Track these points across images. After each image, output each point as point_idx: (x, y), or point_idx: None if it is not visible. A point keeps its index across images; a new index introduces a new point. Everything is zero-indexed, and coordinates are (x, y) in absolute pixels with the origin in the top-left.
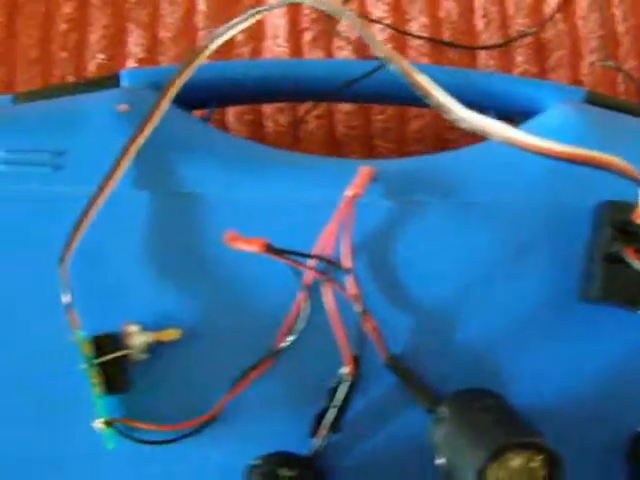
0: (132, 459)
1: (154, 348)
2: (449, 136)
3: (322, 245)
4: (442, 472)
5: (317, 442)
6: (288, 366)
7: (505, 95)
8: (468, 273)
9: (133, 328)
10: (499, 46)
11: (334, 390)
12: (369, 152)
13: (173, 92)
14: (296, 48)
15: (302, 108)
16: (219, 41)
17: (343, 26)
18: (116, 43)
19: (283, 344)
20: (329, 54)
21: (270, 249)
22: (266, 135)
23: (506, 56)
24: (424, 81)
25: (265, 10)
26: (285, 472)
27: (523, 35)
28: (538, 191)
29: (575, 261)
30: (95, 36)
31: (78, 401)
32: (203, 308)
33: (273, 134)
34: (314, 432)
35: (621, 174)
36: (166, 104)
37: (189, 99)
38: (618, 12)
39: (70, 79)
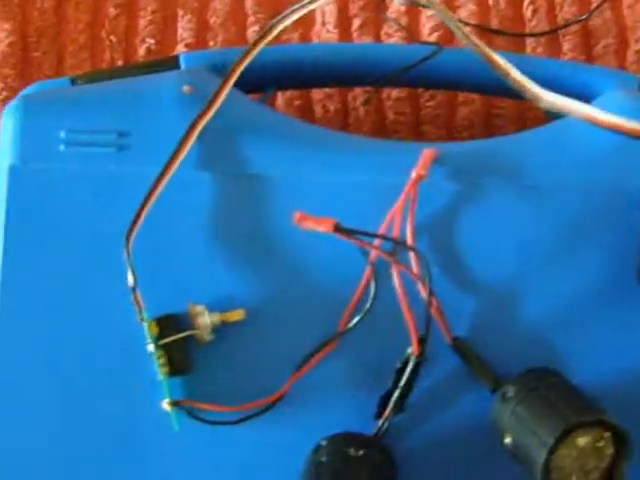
0: (198, 440)
1: (219, 329)
2: (497, 122)
3: (387, 227)
4: (509, 451)
5: (383, 422)
6: (353, 347)
7: (559, 80)
8: (529, 255)
9: (199, 308)
10: (546, 33)
11: (400, 371)
12: (418, 138)
13: (237, 74)
14: (345, 34)
15: (351, 94)
16: (287, 22)
17: (392, 13)
18: (165, 28)
19: (349, 325)
20: (378, 40)
21: (339, 229)
22: (316, 120)
23: (553, 44)
24: (504, 65)
25: None
26: (353, 452)
27: (570, 23)
28: (599, 175)
29: (635, 245)
30: (144, 21)
31: (144, 383)
32: (267, 289)
33: (323, 119)
34: (380, 412)
35: None
36: (230, 86)
37: (246, 82)
38: None
39: (119, 64)
